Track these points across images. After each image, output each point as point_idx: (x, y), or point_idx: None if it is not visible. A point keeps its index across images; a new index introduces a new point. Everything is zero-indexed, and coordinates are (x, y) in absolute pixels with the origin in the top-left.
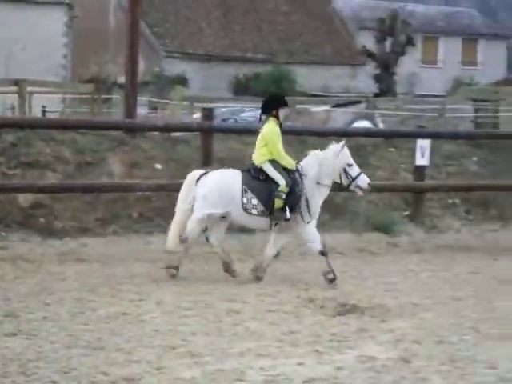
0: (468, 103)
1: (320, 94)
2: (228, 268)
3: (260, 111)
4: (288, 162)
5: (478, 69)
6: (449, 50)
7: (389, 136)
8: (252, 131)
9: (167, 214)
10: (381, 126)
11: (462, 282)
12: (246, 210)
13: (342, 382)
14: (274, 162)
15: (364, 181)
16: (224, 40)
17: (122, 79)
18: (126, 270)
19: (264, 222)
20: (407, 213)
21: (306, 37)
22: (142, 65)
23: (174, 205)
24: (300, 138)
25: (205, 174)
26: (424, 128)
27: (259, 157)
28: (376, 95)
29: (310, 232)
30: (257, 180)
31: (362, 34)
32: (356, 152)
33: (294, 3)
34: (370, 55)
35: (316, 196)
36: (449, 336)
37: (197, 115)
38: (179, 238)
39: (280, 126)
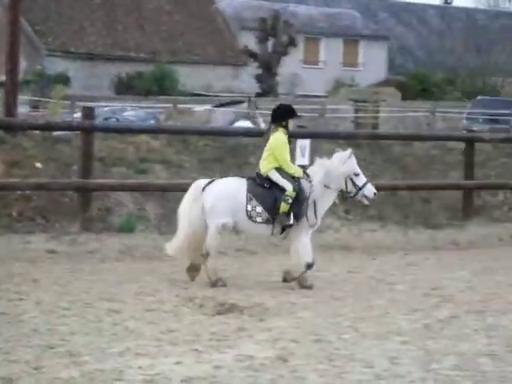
0: (348, 104)
1: (202, 93)
2: (214, 284)
3: (269, 121)
4: (295, 170)
5: (359, 70)
6: (330, 50)
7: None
8: (133, 130)
9: (47, 213)
10: (262, 125)
11: (341, 282)
12: (250, 217)
13: (220, 381)
14: (280, 170)
15: (370, 190)
16: (107, 39)
17: (2, 77)
18: (5, 269)
19: (268, 229)
20: None
21: (189, 36)
22: (23, 63)
23: (54, 204)
24: (181, 137)
25: (210, 182)
26: (304, 128)
27: (266, 165)
28: (258, 95)
29: (304, 243)
30: (262, 188)
31: (244, 35)
32: (236, 151)
33: (177, 3)
34: (252, 55)
35: (323, 200)
36: (327, 335)
37: (78, 114)
38: (202, 254)
39: (289, 136)
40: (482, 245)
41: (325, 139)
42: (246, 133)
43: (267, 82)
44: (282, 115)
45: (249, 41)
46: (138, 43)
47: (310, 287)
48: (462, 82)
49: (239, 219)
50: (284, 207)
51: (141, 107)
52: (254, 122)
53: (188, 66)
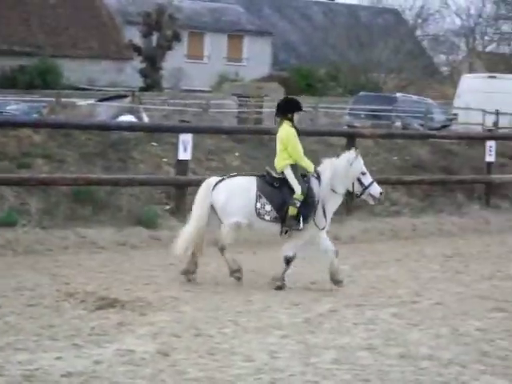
0: (232, 99)
1: (86, 87)
2: (234, 272)
3: (275, 114)
4: (307, 164)
5: (243, 65)
6: (214, 45)
7: (152, 130)
8: (15, 124)
9: None
10: (146, 120)
11: (222, 276)
12: (259, 215)
13: (99, 376)
14: (294, 168)
15: (376, 190)
16: None
17: None
18: None
19: (276, 228)
20: (169, 207)
21: (73, 30)
22: None
23: None
24: (64, 131)
25: (220, 180)
26: (187, 123)
27: (281, 161)
28: (142, 89)
29: (301, 238)
30: (271, 186)
31: (128, 29)
32: (119, 146)
33: None
34: (137, 50)
35: (331, 203)
36: (207, 329)
37: None
38: (218, 247)
39: (296, 130)
40: (363, 239)
41: (208, 134)
42: (129, 127)
43: (151, 77)
44: (287, 108)
45: (133, 35)
46: (22, 37)
47: (282, 287)
48: (345, 78)
49: (249, 216)
50: (292, 210)
51: (24, 101)
52: (138, 117)
53: (72, 60)
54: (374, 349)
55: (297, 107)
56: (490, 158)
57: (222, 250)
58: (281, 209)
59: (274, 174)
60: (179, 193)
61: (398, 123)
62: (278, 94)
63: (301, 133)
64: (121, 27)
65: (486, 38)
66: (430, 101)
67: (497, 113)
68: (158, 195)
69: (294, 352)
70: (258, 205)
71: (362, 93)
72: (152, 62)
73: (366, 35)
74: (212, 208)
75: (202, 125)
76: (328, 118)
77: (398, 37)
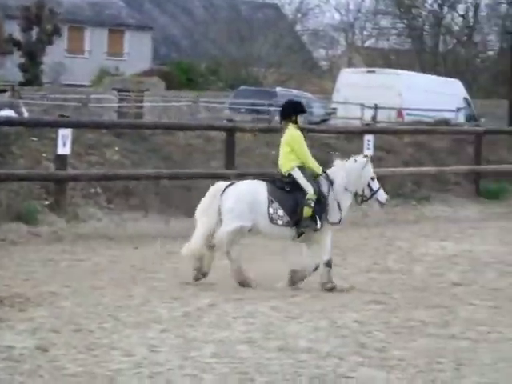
0: (113, 93)
1: None
2: (244, 281)
3: (279, 117)
4: (315, 165)
5: (124, 59)
6: (95, 40)
7: (31, 125)
8: None
9: None
10: (25, 114)
11: (102, 271)
12: (272, 220)
13: None
14: (302, 169)
15: (383, 196)
16: None
17: None
18: None
19: (288, 232)
20: (48, 202)
21: None
22: None
23: None
24: None
25: (230, 185)
26: (66, 117)
27: (287, 163)
28: (22, 84)
29: (325, 243)
30: (282, 190)
31: (8, 23)
32: None
33: None
34: (16, 44)
35: (345, 199)
36: (87, 324)
37: None
38: (208, 244)
39: (301, 131)
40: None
41: (88, 129)
42: (8, 122)
43: (31, 71)
44: (291, 111)
45: (13, 29)
46: None
47: (334, 288)
48: (226, 72)
49: (260, 222)
50: (307, 211)
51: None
52: (18, 111)
53: None
54: (254, 342)
55: (300, 109)
56: (369, 151)
57: (211, 247)
58: (293, 212)
59: (283, 174)
60: (59, 188)
61: (278, 117)
62: (158, 88)
63: (180, 127)
64: (0, 21)
65: (365, 32)
66: (309, 95)
67: (375, 107)
68: (37, 190)
69: (173, 346)
70: (271, 210)
71: (242, 87)
72: (32, 57)
73: (246, 29)
74: (219, 212)
75: (82, 119)
76: (209, 113)
77: (277, 31)
